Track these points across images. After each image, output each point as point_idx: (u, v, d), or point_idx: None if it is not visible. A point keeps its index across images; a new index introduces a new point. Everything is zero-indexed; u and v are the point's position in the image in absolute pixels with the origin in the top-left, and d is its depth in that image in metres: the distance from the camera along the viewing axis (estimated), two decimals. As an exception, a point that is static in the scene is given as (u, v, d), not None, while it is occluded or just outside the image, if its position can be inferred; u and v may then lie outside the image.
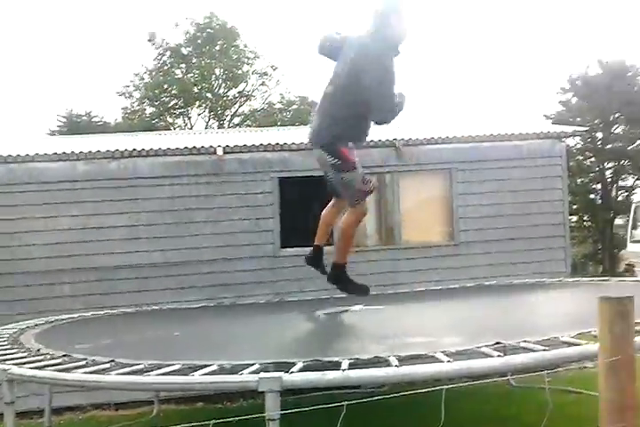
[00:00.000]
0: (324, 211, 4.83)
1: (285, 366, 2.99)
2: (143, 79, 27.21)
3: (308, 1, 42.94)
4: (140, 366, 3.15)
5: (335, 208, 4.77)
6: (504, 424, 5.52)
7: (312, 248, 4.82)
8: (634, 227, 14.57)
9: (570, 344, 3.23)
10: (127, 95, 27.38)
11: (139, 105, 27.48)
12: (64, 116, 26.01)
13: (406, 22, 4.26)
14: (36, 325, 4.90)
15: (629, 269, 14.48)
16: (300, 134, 10.39)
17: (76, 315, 5.42)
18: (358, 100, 4.20)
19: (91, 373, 3.10)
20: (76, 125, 24.16)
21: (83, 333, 4.74)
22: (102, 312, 5.70)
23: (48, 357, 3.55)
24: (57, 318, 5.24)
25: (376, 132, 9.30)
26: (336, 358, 3.14)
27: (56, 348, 3.73)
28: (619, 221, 21.66)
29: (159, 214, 8.05)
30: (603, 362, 2.35)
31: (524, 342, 3.29)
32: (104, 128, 23.74)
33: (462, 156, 8.65)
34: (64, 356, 3.49)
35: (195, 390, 3.14)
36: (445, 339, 3.60)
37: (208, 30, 26.56)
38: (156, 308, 6.10)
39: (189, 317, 5.56)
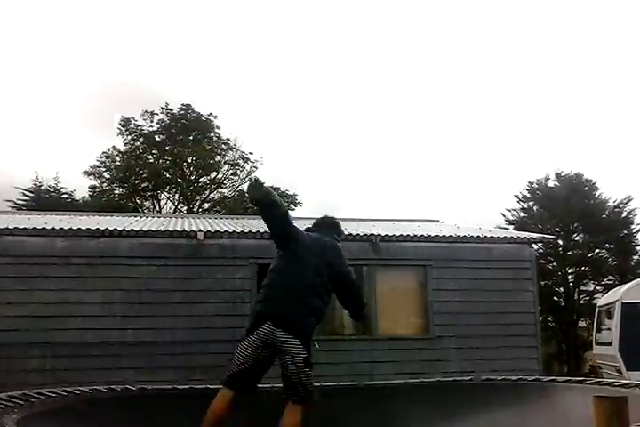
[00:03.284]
0: (216, 406, 4.10)
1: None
2: (115, 161, 27.50)
3: (284, 94, 44.64)
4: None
5: (230, 400, 4.15)
6: None
7: None
8: (598, 330, 14.91)
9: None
10: (97, 175, 27.52)
11: (108, 185, 27.59)
12: (30, 191, 25.87)
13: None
14: (10, 397, 4.68)
15: (594, 371, 14.70)
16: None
17: (53, 394, 5.18)
18: (329, 287, 4.41)
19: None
20: (44, 201, 24.02)
21: (73, 418, 4.52)
22: (77, 391, 5.47)
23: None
24: (33, 394, 5.02)
25: (355, 228, 9.68)
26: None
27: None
28: (581, 323, 22.17)
29: (135, 293, 8.02)
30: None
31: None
32: (72, 205, 23.62)
33: (437, 254, 8.96)
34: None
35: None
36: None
37: (183, 121, 27.27)
38: (132, 387, 5.91)
39: (167, 404, 5.37)
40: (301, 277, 4.25)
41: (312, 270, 4.29)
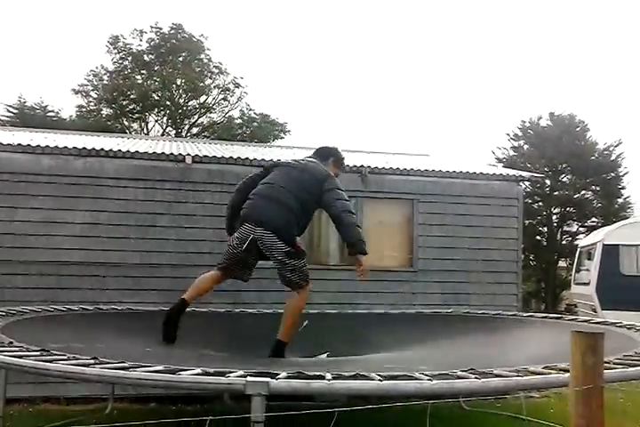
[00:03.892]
0: (205, 278, 4.95)
1: (269, 376, 3.03)
2: (102, 80, 26.81)
3: (278, 20, 43.26)
4: (125, 364, 3.15)
5: (219, 280, 4.97)
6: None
7: (180, 302, 4.84)
8: (577, 270, 15.26)
9: (539, 373, 3.38)
10: (84, 94, 26.89)
11: (95, 105, 27.03)
12: (16, 108, 25.29)
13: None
14: (-2, 315, 4.76)
15: (570, 309, 15.22)
16: (267, 152, 10.54)
17: (38, 309, 5.27)
18: (312, 201, 4.91)
19: (76, 366, 3.07)
20: (29, 118, 23.52)
21: (50, 330, 4.62)
22: (64, 308, 5.56)
23: (24, 349, 3.49)
24: (19, 309, 5.08)
25: (344, 159, 9.57)
26: (319, 372, 3.19)
27: (28, 343, 3.66)
28: (561, 263, 22.67)
29: (122, 215, 7.97)
30: (574, 391, 2.52)
31: (497, 369, 3.43)
32: (58, 124, 23.17)
33: (425, 188, 8.94)
34: (42, 350, 3.43)
35: (181, 389, 3.12)
36: (420, 366, 3.69)
37: (173, 41, 26.45)
38: (118, 308, 6.00)
39: (153, 320, 5.48)
40: (281, 185, 4.85)
41: (293, 184, 4.86)
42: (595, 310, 12.38)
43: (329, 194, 4.84)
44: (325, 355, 4.98)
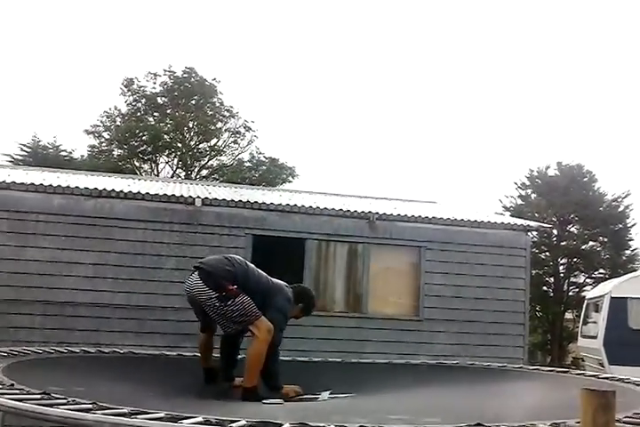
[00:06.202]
0: (200, 342, 5.07)
1: (272, 427, 2.96)
2: (115, 121, 27.23)
3: (289, 66, 44.13)
4: (124, 411, 3.10)
5: (208, 336, 5.00)
6: None
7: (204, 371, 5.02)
8: (584, 323, 15.01)
9: (547, 431, 3.30)
10: (96, 135, 27.27)
11: (107, 146, 27.37)
12: (29, 146, 25.64)
13: None
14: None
15: (576, 363, 14.90)
16: (276, 196, 10.62)
17: (39, 350, 5.22)
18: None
19: (75, 411, 3.03)
20: (42, 157, 23.81)
21: (51, 373, 4.57)
22: (65, 350, 5.51)
23: (25, 392, 3.44)
24: (19, 350, 5.04)
25: (352, 204, 9.64)
26: (322, 424, 3.12)
27: (29, 385, 3.61)
28: (568, 315, 22.34)
29: (130, 256, 7.99)
30: (585, 451, 2.45)
31: (504, 425, 3.35)
32: (70, 163, 23.42)
33: (433, 235, 8.94)
34: (43, 393, 3.38)
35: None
36: (425, 418, 3.61)
37: (186, 84, 26.95)
38: (119, 351, 5.93)
39: (157, 365, 5.43)
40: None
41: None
42: (602, 365, 12.13)
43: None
44: (328, 393, 4.86)
